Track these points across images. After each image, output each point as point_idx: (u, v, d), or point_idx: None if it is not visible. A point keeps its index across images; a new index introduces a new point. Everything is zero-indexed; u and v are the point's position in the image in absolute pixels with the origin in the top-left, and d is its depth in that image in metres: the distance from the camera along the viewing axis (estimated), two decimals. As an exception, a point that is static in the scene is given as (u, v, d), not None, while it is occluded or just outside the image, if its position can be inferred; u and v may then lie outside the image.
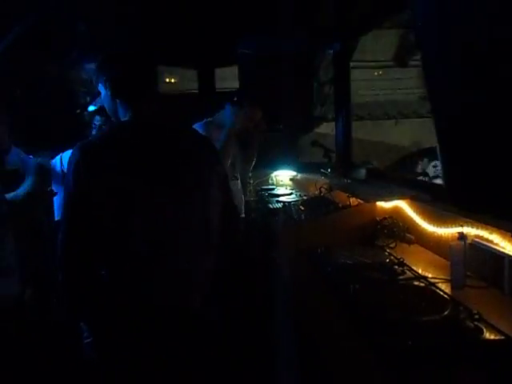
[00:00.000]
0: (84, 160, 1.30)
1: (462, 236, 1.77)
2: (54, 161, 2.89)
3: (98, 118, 2.79)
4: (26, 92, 3.47)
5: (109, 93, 1.45)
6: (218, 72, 4.93)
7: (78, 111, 3.57)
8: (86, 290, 1.35)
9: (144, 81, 1.48)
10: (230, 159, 2.80)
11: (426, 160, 8.93)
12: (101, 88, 1.49)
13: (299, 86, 4.46)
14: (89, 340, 1.78)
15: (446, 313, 1.45)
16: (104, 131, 1.37)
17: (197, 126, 2.93)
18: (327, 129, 6.99)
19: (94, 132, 2.79)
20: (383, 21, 4.17)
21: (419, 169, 7.92)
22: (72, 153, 1.35)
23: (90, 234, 1.30)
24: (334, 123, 4.03)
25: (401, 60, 11.46)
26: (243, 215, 3.06)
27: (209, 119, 2.90)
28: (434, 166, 9.38)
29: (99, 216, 1.29)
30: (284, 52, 4.07)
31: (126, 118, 1.44)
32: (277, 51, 4.09)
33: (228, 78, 5.11)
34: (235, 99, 2.73)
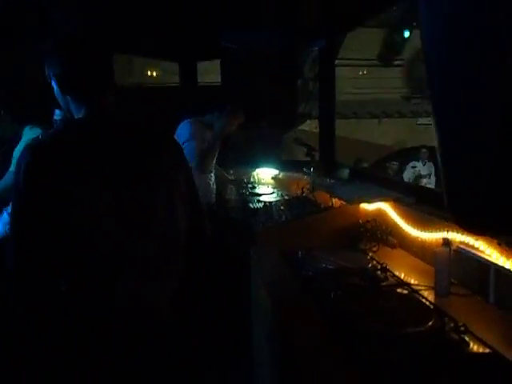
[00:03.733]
0: (34, 161, 1.18)
1: (446, 242, 1.71)
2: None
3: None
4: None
5: (58, 89, 1.29)
6: (201, 66, 4.82)
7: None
8: (41, 304, 1.21)
9: (98, 75, 1.30)
10: (215, 159, 3.11)
11: (397, 164, 8.99)
12: (53, 83, 1.31)
13: (283, 83, 4.39)
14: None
15: (430, 323, 1.39)
16: (56, 129, 1.24)
17: (186, 122, 3.10)
18: (311, 126, 6.94)
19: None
20: (369, 19, 4.13)
21: (389, 173, 8.00)
22: (21, 153, 1.21)
23: (44, 241, 1.18)
24: (317, 121, 3.97)
25: (385, 58, 11.54)
26: (214, 200, 3.17)
27: (199, 118, 3.12)
28: (413, 167, 9.34)
29: (54, 222, 1.17)
30: (268, 48, 3.99)
31: (79, 115, 1.29)
32: (261, 46, 4.00)
33: (212, 72, 5.00)
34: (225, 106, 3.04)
